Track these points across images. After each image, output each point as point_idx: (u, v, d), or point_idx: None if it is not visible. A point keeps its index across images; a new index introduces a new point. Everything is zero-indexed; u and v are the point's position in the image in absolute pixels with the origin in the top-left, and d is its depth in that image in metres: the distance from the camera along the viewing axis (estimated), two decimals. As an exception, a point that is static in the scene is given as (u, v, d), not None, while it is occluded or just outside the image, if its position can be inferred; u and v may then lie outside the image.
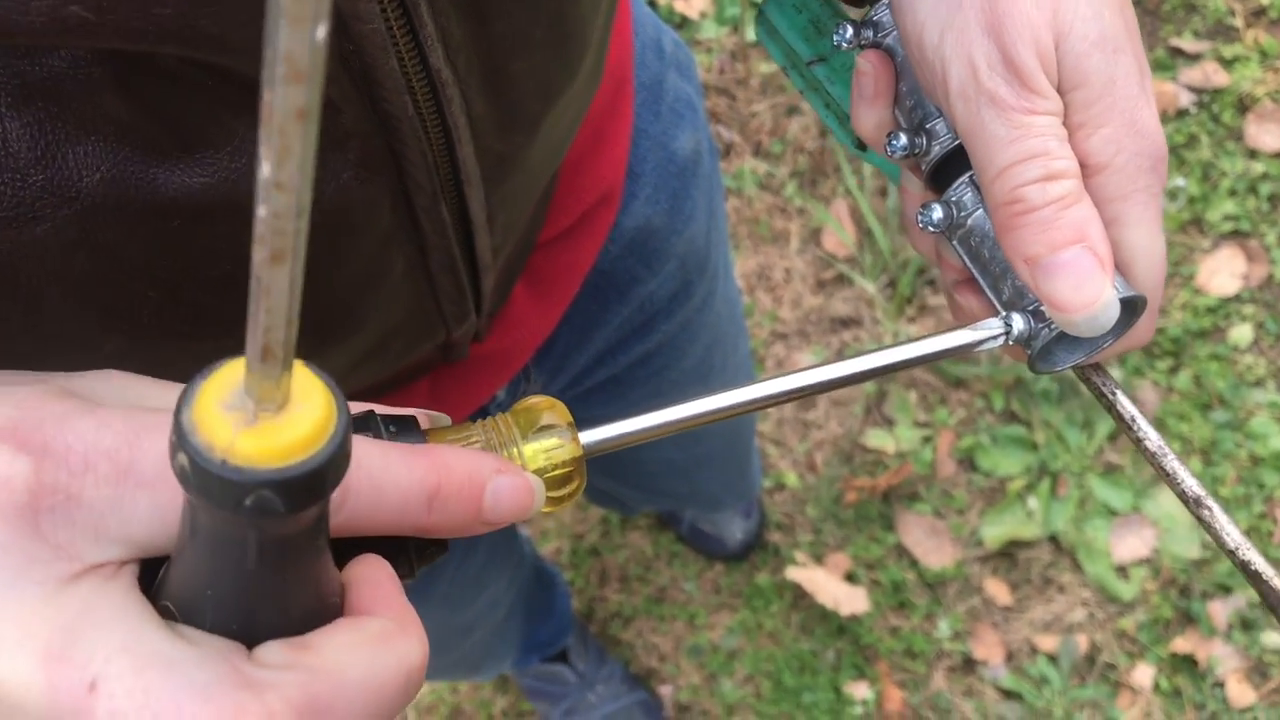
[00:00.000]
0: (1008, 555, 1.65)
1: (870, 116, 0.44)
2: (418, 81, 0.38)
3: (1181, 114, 1.79)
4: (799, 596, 1.66)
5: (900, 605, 1.64)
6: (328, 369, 0.48)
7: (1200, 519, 0.40)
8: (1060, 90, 0.38)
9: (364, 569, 0.30)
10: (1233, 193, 1.74)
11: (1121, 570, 1.62)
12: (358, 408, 0.33)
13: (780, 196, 1.83)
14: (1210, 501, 0.40)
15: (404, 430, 0.33)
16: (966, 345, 0.40)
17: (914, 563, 1.66)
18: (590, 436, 0.36)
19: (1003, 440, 1.68)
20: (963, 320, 0.44)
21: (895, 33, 0.43)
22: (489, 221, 0.47)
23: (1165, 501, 1.63)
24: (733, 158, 1.86)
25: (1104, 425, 1.66)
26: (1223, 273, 1.71)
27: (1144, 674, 1.58)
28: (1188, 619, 1.59)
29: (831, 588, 1.64)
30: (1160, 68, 1.81)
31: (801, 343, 1.76)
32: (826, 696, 1.61)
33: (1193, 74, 1.80)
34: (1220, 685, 1.57)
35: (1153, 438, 0.41)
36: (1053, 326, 0.40)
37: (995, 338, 0.41)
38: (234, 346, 0.43)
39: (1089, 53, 0.38)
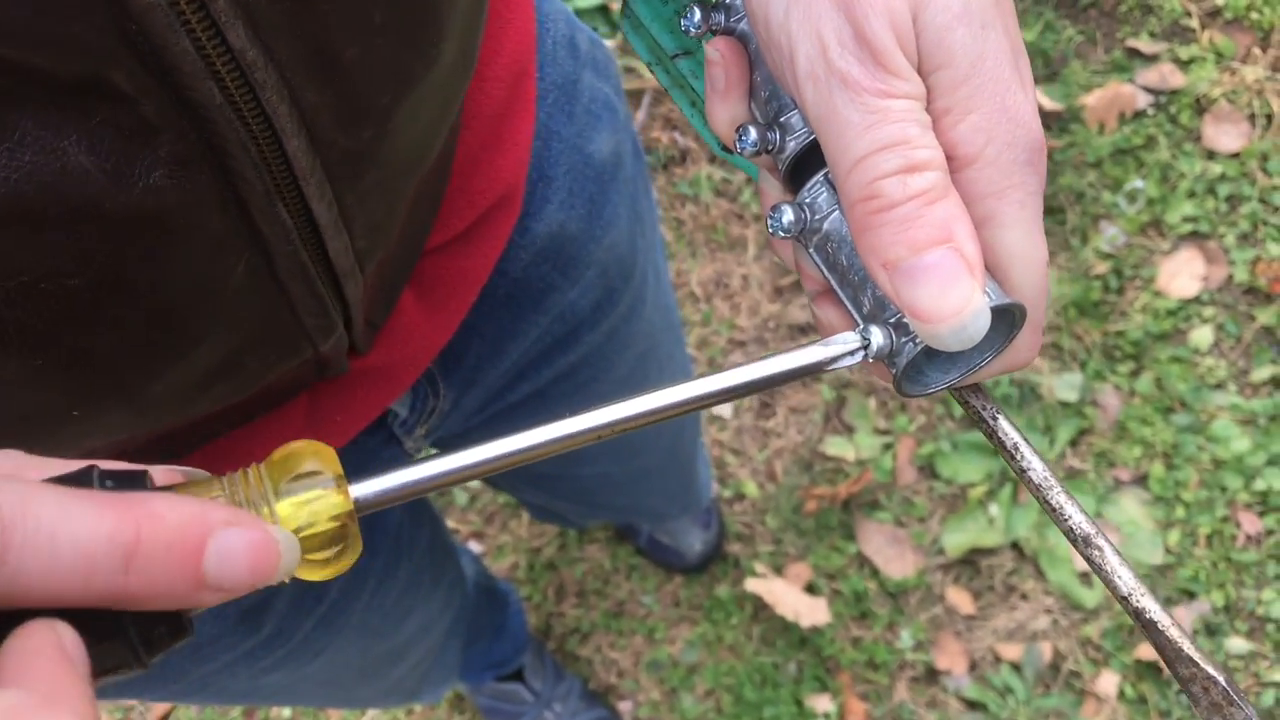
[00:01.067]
0: (970, 563, 1.63)
1: (724, 111, 0.40)
2: (224, 65, 0.35)
3: (1139, 115, 1.77)
4: (759, 608, 1.63)
5: (862, 615, 1.62)
6: (166, 389, 0.45)
7: (1089, 560, 0.36)
8: (921, 72, 0.34)
9: (17, 640, 0.25)
10: (1191, 194, 1.73)
11: (1084, 577, 1.59)
12: (78, 464, 0.28)
13: (737, 203, 1.81)
14: (1101, 540, 0.36)
15: (125, 486, 0.27)
16: (817, 364, 0.36)
17: (875, 572, 1.63)
18: (365, 489, 0.32)
19: (963, 447, 1.66)
20: (823, 333, 0.41)
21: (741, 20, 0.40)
22: (345, 223, 0.44)
23: (1128, 507, 1.61)
24: (688, 164, 1.84)
25: (1065, 430, 1.64)
26: (1183, 274, 1.69)
27: (1109, 681, 1.56)
28: (1152, 625, 1.57)
29: (792, 599, 1.61)
30: (1117, 69, 1.80)
31: (759, 350, 1.74)
32: (788, 710, 1.58)
33: (1149, 75, 1.78)
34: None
35: (1037, 468, 0.38)
36: (917, 341, 0.36)
37: (850, 354, 0.37)
38: (43, 365, 0.40)
39: (951, 26, 0.34)
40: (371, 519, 0.75)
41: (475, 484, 1.72)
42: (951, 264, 0.33)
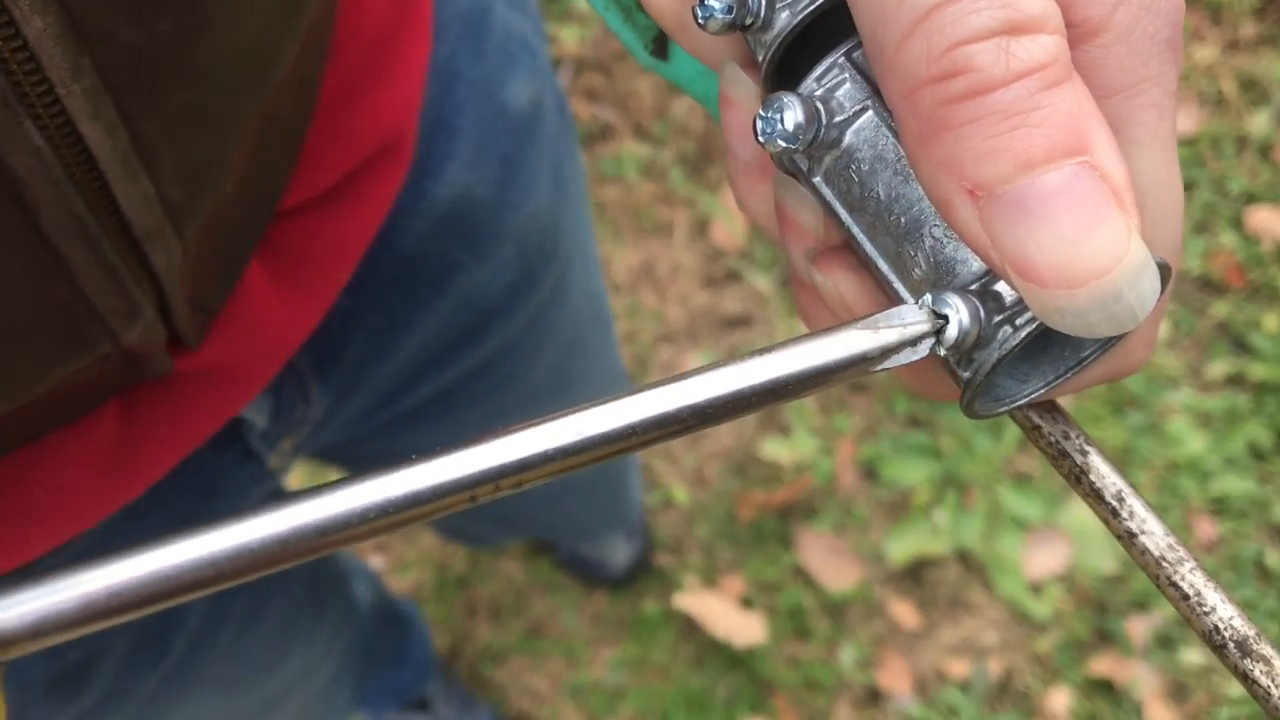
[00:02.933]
0: (914, 574, 1.51)
1: None
2: None
3: (1088, 97, 1.68)
4: (689, 626, 1.50)
5: (799, 632, 1.50)
6: None
7: (1245, 676, 0.23)
8: None
9: None
10: (1143, 180, 1.64)
11: (1035, 588, 1.49)
12: None
13: (664, 184, 1.68)
14: (1266, 647, 0.23)
15: None
16: (863, 355, 0.22)
17: (814, 585, 1.51)
18: (4, 615, 0.18)
19: (905, 448, 1.55)
20: (823, 322, 0.26)
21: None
22: (141, 161, 0.30)
23: (1078, 512, 1.51)
24: (611, 140, 1.70)
25: (1013, 430, 1.54)
26: (1134, 265, 1.61)
27: (1060, 699, 1.46)
28: (1105, 638, 1.48)
29: (724, 616, 1.49)
30: (1065, 48, 1.71)
31: (690, 344, 1.61)
32: (720, 735, 1.46)
33: (1099, 54, 1.70)
34: (1139, 708, 1.46)
35: (1155, 531, 0.24)
36: (1021, 322, 0.22)
37: (915, 343, 0.22)
38: None
39: None
40: None
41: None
42: (1092, 188, 0.19)
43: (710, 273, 1.63)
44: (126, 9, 0.27)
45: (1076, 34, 0.22)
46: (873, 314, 0.22)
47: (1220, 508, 1.51)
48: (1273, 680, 0.24)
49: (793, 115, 0.23)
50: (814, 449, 1.55)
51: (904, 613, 1.50)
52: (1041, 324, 0.22)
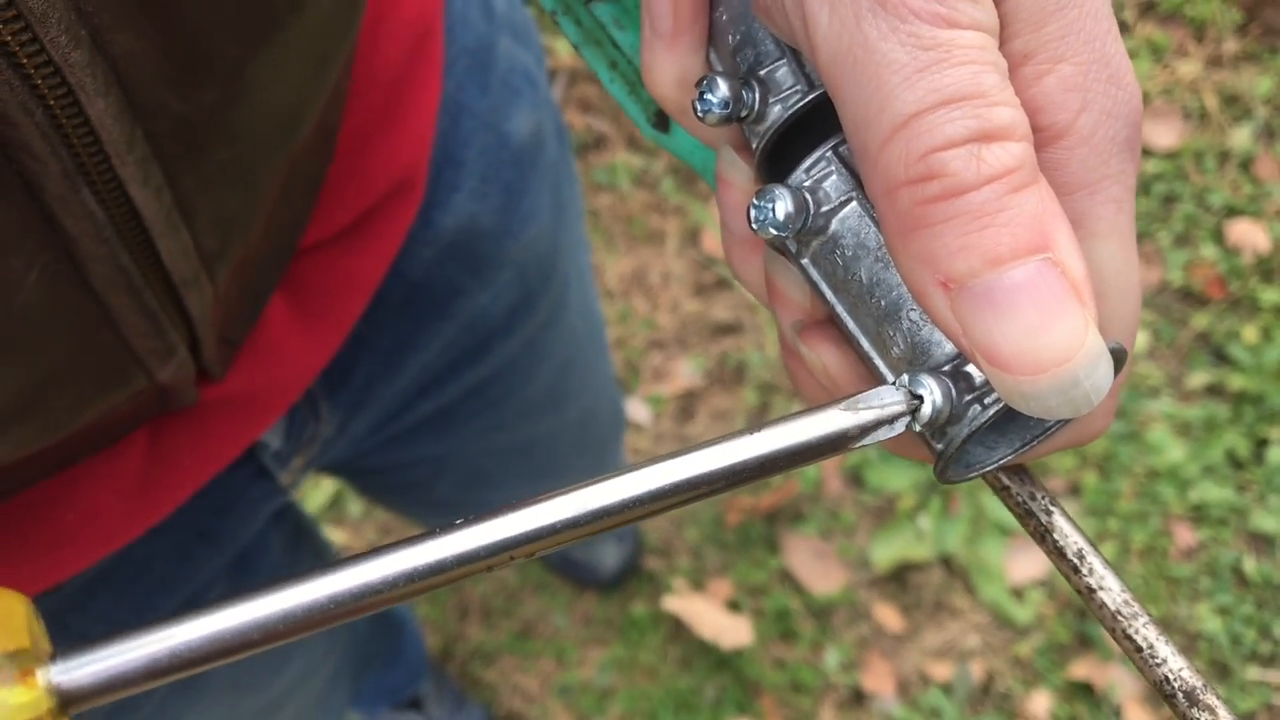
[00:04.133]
0: (898, 578, 1.54)
1: (670, 65, 0.28)
2: None
3: (1074, 110, 1.71)
4: (677, 628, 1.52)
5: (785, 635, 1.52)
6: None
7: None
8: None
9: None
10: (1126, 193, 1.67)
11: (1017, 593, 1.52)
12: None
13: (656, 193, 1.70)
14: (1212, 698, 0.26)
15: None
16: (841, 435, 0.24)
17: (800, 588, 1.54)
18: (81, 671, 0.20)
19: (891, 455, 1.57)
20: (812, 395, 0.28)
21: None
22: (183, 216, 0.32)
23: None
24: (605, 150, 1.72)
25: (997, 438, 1.57)
26: (1116, 276, 1.63)
27: (1041, 702, 1.49)
28: (1085, 642, 1.51)
29: (712, 618, 1.51)
30: (1052, 61, 1.73)
31: (680, 351, 1.63)
32: (707, 736, 1.48)
33: (1085, 68, 1.72)
34: (1118, 711, 1.49)
35: (1113, 588, 0.26)
36: (988, 402, 0.24)
37: (891, 421, 0.25)
38: None
39: None
40: (243, 562, 0.62)
41: (371, 493, 1.58)
42: (1052, 283, 0.21)
43: (700, 280, 1.66)
44: (177, 84, 0.29)
45: (1043, 137, 0.24)
46: (853, 394, 0.25)
47: (1199, 515, 1.54)
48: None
49: (783, 206, 0.26)
50: (801, 455, 1.58)
51: (888, 616, 1.52)
52: (1001, 404, 0.24)
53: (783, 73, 0.27)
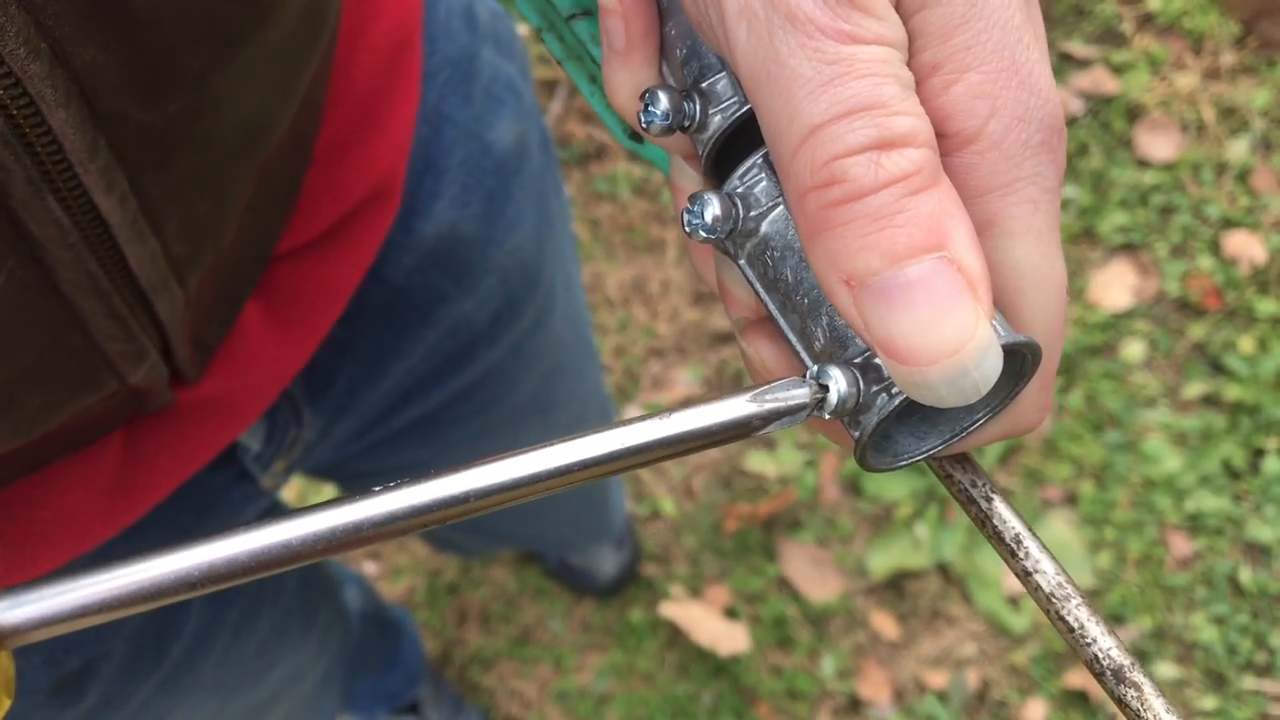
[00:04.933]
0: (895, 586, 1.55)
1: (625, 77, 0.29)
2: None
3: (1072, 121, 1.71)
4: (675, 635, 1.53)
5: (782, 642, 1.53)
6: None
7: (1122, 701, 0.27)
8: (901, 10, 0.25)
9: None
10: (1123, 203, 1.67)
11: (1013, 601, 1.53)
12: None
13: (657, 203, 1.71)
14: (1138, 675, 0.27)
15: None
16: (745, 421, 0.26)
17: (796, 596, 1.55)
18: (22, 608, 0.22)
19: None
20: (760, 381, 0.30)
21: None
22: (150, 223, 0.33)
23: (1057, 527, 1.55)
24: (606, 160, 1.74)
25: (994, 447, 1.57)
26: (1115, 286, 1.64)
27: (1036, 711, 1.49)
28: (1080, 651, 1.51)
29: (709, 625, 1.52)
30: (1050, 73, 1.74)
31: (679, 360, 1.64)
32: (704, 742, 1.49)
33: (1083, 80, 1.73)
34: (1113, 720, 1.49)
35: (1048, 570, 0.28)
36: (894, 392, 0.26)
37: (796, 410, 0.26)
38: None
39: None
40: None
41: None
42: (947, 280, 0.23)
43: (699, 289, 1.67)
44: (139, 94, 0.30)
45: (953, 143, 0.25)
46: (770, 383, 0.26)
47: (1195, 525, 1.54)
48: (1142, 704, 0.27)
49: (711, 210, 0.27)
50: (799, 463, 1.59)
51: (884, 624, 1.53)
52: (904, 394, 0.25)
53: (723, 84, 0.28)
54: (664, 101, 0.28)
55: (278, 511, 0.71)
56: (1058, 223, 0.27)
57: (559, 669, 1.54)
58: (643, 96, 0.29)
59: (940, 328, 0.22)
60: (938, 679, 1.51)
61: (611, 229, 1.70)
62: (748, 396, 0.26)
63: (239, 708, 0.76)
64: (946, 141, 0.25)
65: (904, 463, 0.29)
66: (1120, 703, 0.28)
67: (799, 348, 0.28)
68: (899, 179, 0.23)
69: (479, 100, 0.60)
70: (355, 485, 0.84)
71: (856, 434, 0.27)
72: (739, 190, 0.28)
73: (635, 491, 1.60)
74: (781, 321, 0.28)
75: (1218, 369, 1.60)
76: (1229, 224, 1.65)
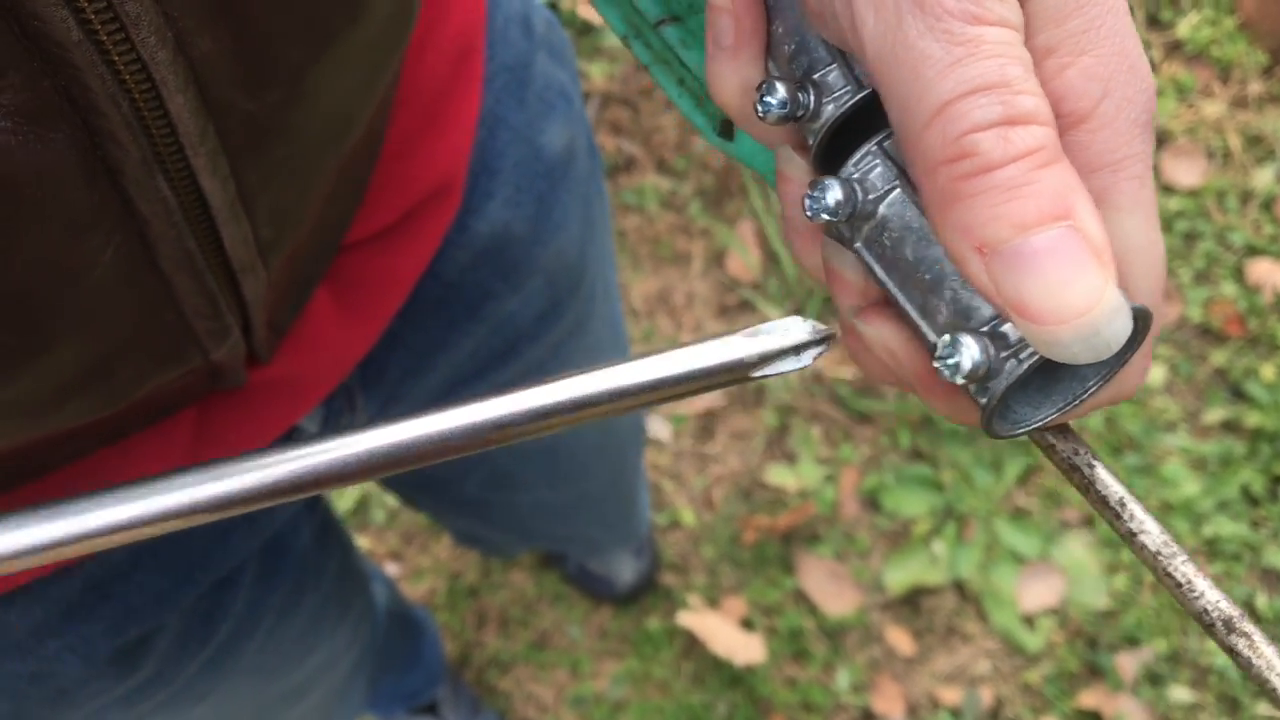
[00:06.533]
0: (911, 602, 1.56)
1: (732, 74, 0.31)
2: None
3: (1098, 146, 1.73)
4: (691, 644, 1.55)
5: (798, 654, 1.54)
6: (8, 401, 0.36)
7: (1232, 650, 0.28)
8: None
9: None
10: (1148, 229, 1.68)
11: (1028, 620, 1.54)
12: None
13: (683, 215, 1.73)
14: (1248, 625, 0.28)
15: None
16: (739, 363, 0.27)
17: (813, 609, 1.56)
18: None
19: (908, 480, 1.60)
20: (875, 372, 0.31)
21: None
22: (244, 206, 0.35)
23: (1074, 549, 1.56)
24: (634, 173, 1.76)
25: (1013, 466, 1.58)
26: (1136, 311, 1.65)
27: (1049, 730, 1.50)
28: (1094, 672, 1.52)
29: (726, 635, 1.53)
30: (1077, 98, 1.75)
31: (702, 371, 1.66)
32: (717, 752, 1.50)
33: (1110, 106, 1.74)
34: (1127, 742, 1.50)
35: (1152, 530, 0.29)
36: (1023, 356, 0.27)
37: (797, 351, 0.28)
38: None
39: None
40: (275, 546, 0.65)
41: (394, 501, 1.62)
42: (1075, 246, 0.24)
43: (724, 302, 1.69)
44: (245, 83, 0.32)
45: (1067, 122, 0.27)
46: (767, 324, 0.28)
47: (1212, 549, 1.55)
48: (1254, 652, 0.29)
49: (834, 194, 0.29)
50: (818, 477, 1.60)
51: (900, 639, 1.54)
52: (1040, 356, 0.27)
53: (834, 76, 0.30)
54: (781, 91, 0.30)
55: (325, 505, 0.73)
56: (1155, 198, 0.29)
57: (576, 674, 1.55)
58: (760, 87, 0.30)
59: (1071, 289, 0.24)
60: (951, 695, 1.52)
61: (638, 240, 1.72)
62: (743, 334, 0.27)
63: (275, 692, 0.77)
64: (1061, 120, 0.27)
65: (1022, 430, 0.30)
66: (1232, 652, 0.29)
67: (922, 324, 0.29)
68: (1026, 154, 0.24)
69: (532, 105, 0.62)
70: (398, 475, 0.86)
71: (984, 400, 0.28)
72: (855, 176, 0.30)
73: (656, 501, 1.61)
74: (902, 299, 0.29)
75: (1239, 395, 1.61)
76: (1253, 251, 1.66)
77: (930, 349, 0.29)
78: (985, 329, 0.28)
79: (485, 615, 1.58)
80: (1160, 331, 1.62)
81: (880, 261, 0.30)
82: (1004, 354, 0.27)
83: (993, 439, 0.29)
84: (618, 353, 0.88)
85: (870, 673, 1.53)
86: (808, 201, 0.29)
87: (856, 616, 1.55)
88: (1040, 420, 0.30)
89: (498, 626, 1.58)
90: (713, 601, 1.57)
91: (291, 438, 0.57)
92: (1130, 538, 0.29)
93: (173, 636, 0.59)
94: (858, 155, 0.29)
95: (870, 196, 0.29)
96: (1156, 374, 1.62)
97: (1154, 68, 1.76)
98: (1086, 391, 0.29)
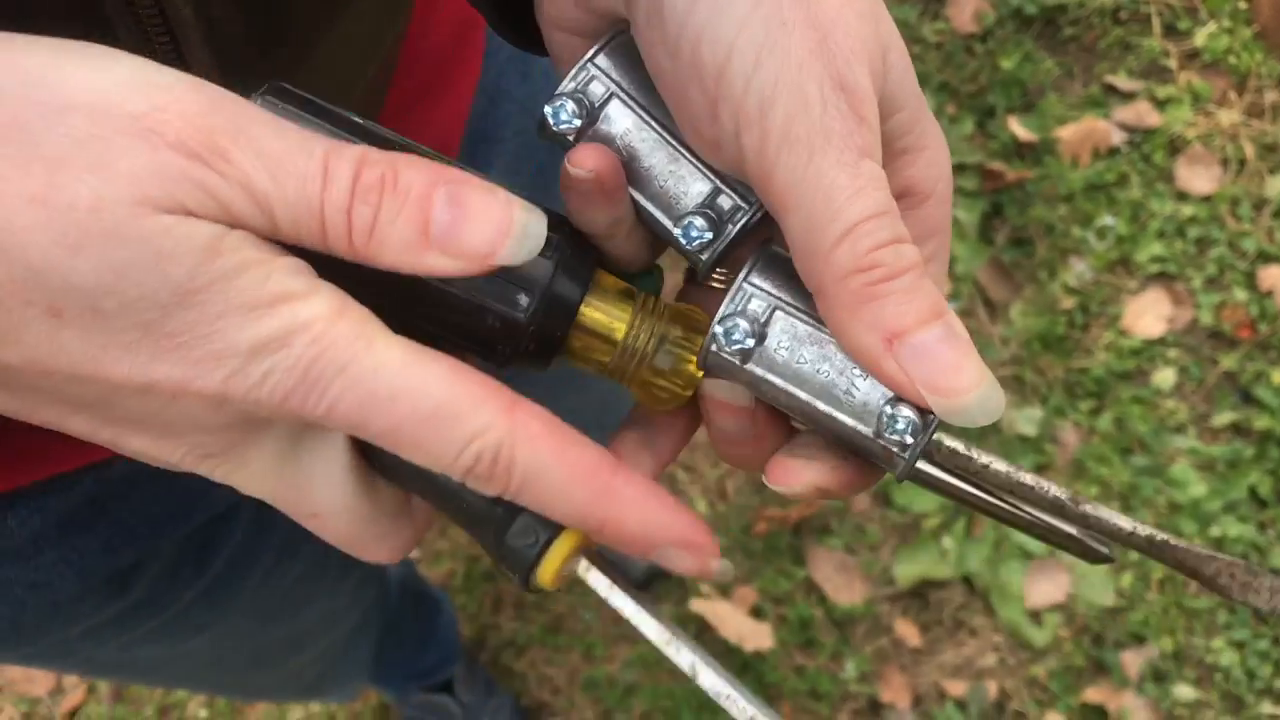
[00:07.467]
0: (919, 595, 1.59)
1: (604, 216, 0.36)
2: None
3: (1113, 152, 1.76)
4: (702, 630, 1.58)
5: (807, 643, 1.57)
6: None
7: (1080, 516, 0.34)
8: (881, 115, 0.33)
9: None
10: (1161, 234, 1.71)
11: (1035, 615, 1.56)
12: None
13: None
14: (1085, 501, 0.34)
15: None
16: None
17: (823, 599, 1.59)
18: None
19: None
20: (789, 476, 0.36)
21: (609, 101, 0.36)
22: None
23: (1082, 546, 1.58)
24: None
25: (1022, 464, 1.61)
26: (1149, 314, 1.67)
27: (1054, 724, 1.52)
28: (1099, 668, 1.54)
29: (736, 622, 1.56)
30: (1094, 104, 1.78)
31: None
32: (725, 737, 1.53)
33: (1125, 113, 1.77)
34: (1131, 738, 1.51)
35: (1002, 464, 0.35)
36: (929, 420, 0.32)
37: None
38: None
39: (908, 69, 0.33)
40: None
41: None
42: (958, 337, 0.31)
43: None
44: (259, 44, 0.37)
45: (915, 200, 0.35)
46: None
47: (1219, 550, 1.56)
48: (1097, 509, 0.34)
49: (741, 330, 0.34)
50: (830, 471, 1.63)
51: (907, 631, 1.57)
52: (944, 419, 0.32)
53: (722, 199, 0.36)
54: (700, 221, 0.35)
55: None
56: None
57: (589, 658, 1.59)
58: (682, 222, 0.36)
59: (967, 368, 0.31)
60: (957, 688, 1.54)
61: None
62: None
63: (273, 637, 0.82)
64: (908, 200, 0.35)
65: (915, 464, 0.35)
66: (1084, 519, 0.35)
67: (834, 413, 0.33)
68: (911, 266, 0.31)
69: (536, 79, 0.66)
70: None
71: (908, 455, 0.32)
72: (734, 315, 0.34)
73: (670, 491, 1.65)
74: (807, 397, 0.34)
75: (1248, 399, 1.62)
76: (1265, 258, 1.68)
77: (848, 432, 0.33)
78: (885, 404, 0.33)
79: (501, 599, 1.63)
80: (1171, 334, 1.63)
81: (779, 375, 0.34)
82: (920, 420, 0.33)
83: (907, 481, 0.34)
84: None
85: (877, 663, 1.56)
86: (722, 339, 0.34)
87: (865, 607, 1.58)
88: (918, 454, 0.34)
89: (513, 610, 1.62)
90: (724, 590, 1.60)
91: None
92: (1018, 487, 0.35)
93: (167, 563, 0.63)
94: (733, 293, 0.34)
95: (757, 323, 0.34)
96: (1167, 376, 1.64)
97: (1171, 75, 1.79)
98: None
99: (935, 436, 0.33)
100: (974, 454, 0.35)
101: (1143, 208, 1.72)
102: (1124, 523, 0.34)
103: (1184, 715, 1.51)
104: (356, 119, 0.34)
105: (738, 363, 0.34)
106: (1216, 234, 1.70)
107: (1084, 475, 1.61)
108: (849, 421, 0.33)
